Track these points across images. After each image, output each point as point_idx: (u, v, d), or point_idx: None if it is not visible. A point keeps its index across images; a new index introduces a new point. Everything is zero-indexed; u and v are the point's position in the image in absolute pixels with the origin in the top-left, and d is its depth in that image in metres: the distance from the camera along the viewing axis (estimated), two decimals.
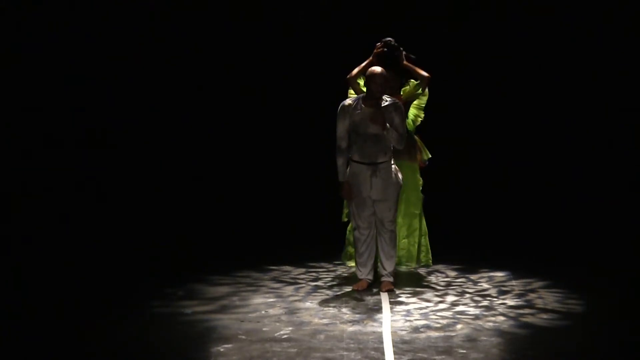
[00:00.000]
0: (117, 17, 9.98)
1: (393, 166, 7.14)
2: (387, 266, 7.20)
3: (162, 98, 10.19)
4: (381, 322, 6.14)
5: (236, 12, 10.27)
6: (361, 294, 7.04)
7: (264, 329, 5.99)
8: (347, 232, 7.77)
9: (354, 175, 7.10)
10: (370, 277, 7.25)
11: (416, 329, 5.98)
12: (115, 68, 10.03)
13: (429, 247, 7.81)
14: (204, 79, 10.32)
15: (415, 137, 7.76)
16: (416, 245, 7.75)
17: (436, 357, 5.36)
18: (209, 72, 10.32)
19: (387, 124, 6.96)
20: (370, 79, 7.00)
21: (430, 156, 7.81)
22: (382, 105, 7.02)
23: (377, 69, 7.02)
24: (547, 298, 6.92)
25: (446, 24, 10.25)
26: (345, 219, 7.77)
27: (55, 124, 9.92)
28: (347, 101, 7.10)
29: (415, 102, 7.74)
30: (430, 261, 7.81)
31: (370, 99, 7.02)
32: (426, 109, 7.85)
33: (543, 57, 10.17)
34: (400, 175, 7.20)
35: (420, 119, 7.80)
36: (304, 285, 7.41)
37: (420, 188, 7.77)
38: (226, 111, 10.34)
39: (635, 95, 9.97)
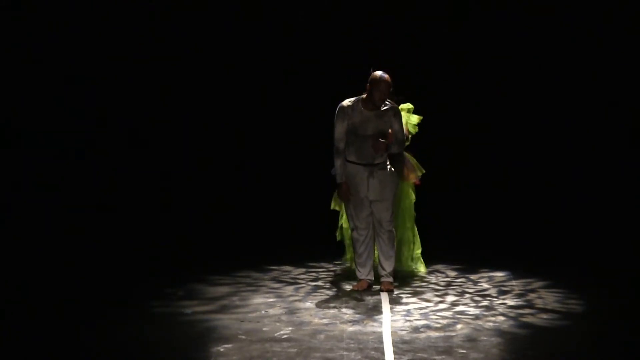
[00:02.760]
0: (117, 17, 9.97)
1: (389, 167, 7.15)
2: (387, 266, 7.20)
3: (163, 98, 10.19)
4: (381, 322, 6.14)
5: (236, 12, 10.27)
6: (361, 294, 7.04)
7: (264, 329, 5.98)
8: (347, 239, 7.79)
9: (351, 176, 7.09)
10: (370, 277, 7.24)
11: (416, 329, 5.98)
12: (115, 68, 10.03)
13: (422, 259, 7.83)
14: (204, 79, 10.32)
15: (406, 154, 7.71)
16: (407, 257, 7.76)
17: (436, 357, 5.36)
18: (209, 72, 10.32)
19: (388, 145, 6.97)
20: (375, 86, 6.91)
21: (424, 171, 7.76)
22: (382, 109, 7.00)
23: (382, 75, 6.92)
24: (547, 298, 6.92)
25: (446, 24, 10.25)
26: (340, 238, 7.80)
27: (56, 124, 9.92)
28: (346, 102, 7.06)
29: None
30: (424, 269, 7.85)
31: (372, 103, 6.99)
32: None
33: (543, 57, 10.17)
34: (396, 176, 7.23)
35: (409, 135, 7.67)
36: (304, 285, 7.41)
37: (413, 202, 7.74)
38: (226, 111, 10.34)
39: (635, 95, 9.97)
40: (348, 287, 7.30)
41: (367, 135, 6.98)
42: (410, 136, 7.73)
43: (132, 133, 10.17)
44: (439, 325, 6.09)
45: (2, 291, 7.18)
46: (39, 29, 9.84)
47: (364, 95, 7.02)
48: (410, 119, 7.72)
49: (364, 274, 7.21)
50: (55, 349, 5.60)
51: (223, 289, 7.19)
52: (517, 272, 7.83)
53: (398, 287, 7.25)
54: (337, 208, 7.78)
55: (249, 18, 10.29)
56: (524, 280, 7.54)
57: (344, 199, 7.17)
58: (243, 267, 8.01)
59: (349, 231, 7.44)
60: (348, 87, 7.72)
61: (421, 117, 7.74)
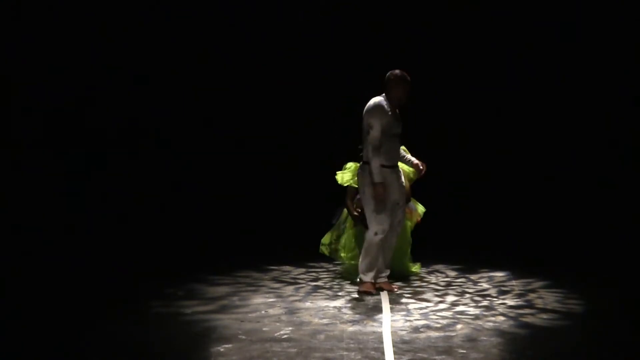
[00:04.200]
0: (116, 17, 9.97)
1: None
2: (387, 267, 7.19)
3: (162, 98, 10.19)
4: (381, 322, 6.14)
5: (236, 12, 10.27)
6: (361, 294, 7.03)
7: (264, 329, 5.98)
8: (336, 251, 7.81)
9: (384, 180, 6.95)
10: (376, 279, 7.21)
11: (416, 329, 5.98)
12: (116, 69, 10.02)
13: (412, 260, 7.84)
14: (204, 79, 10.31)
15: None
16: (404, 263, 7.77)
17: (436, 357, 5.36)
18: (209, 73, 10.32)
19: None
20: (403, 85, 6.86)
21: (425, 210, 7.72)
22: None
23: (406, 75, 6.90)
24: (547, 298, 6.92)
25: (447, 22, 10.23)
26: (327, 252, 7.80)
27: (58, 126, 9.92)
28: (383, 101, 6.94)
29: None
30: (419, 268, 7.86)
31: (397, 103, 6.94)
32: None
33: (543, 57, 10.16)
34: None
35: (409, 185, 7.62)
36: (304, 285, 7.41)
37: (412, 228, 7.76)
38: (226, 111, 10.33)
39: (634, 96, 9.96)
40: (348, 287, 7.30)
41: (395, 135, 6.96)
42: (409, 186, 7.65)
43: (132, 134, 10.16)
44: (439, 325, 6.09)
45: (2, 291, 7.18)
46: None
47: (384, 95, 6.98)
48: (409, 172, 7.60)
49: (370, 277, 7.14)
50: (56, 349, 5.60)
51: (223, 289, 7.19)
52: (517, 272, 7.84)
53: (398, 287, 7.25)
54: (326, 252, 7.78)
55: (249, 18, 10.29)
56: (524, 280, 7.54)
57: (380, 199, 6.90)
58: (243, 267, 8.02)
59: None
60: (348, 88, 7.73)
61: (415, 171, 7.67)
